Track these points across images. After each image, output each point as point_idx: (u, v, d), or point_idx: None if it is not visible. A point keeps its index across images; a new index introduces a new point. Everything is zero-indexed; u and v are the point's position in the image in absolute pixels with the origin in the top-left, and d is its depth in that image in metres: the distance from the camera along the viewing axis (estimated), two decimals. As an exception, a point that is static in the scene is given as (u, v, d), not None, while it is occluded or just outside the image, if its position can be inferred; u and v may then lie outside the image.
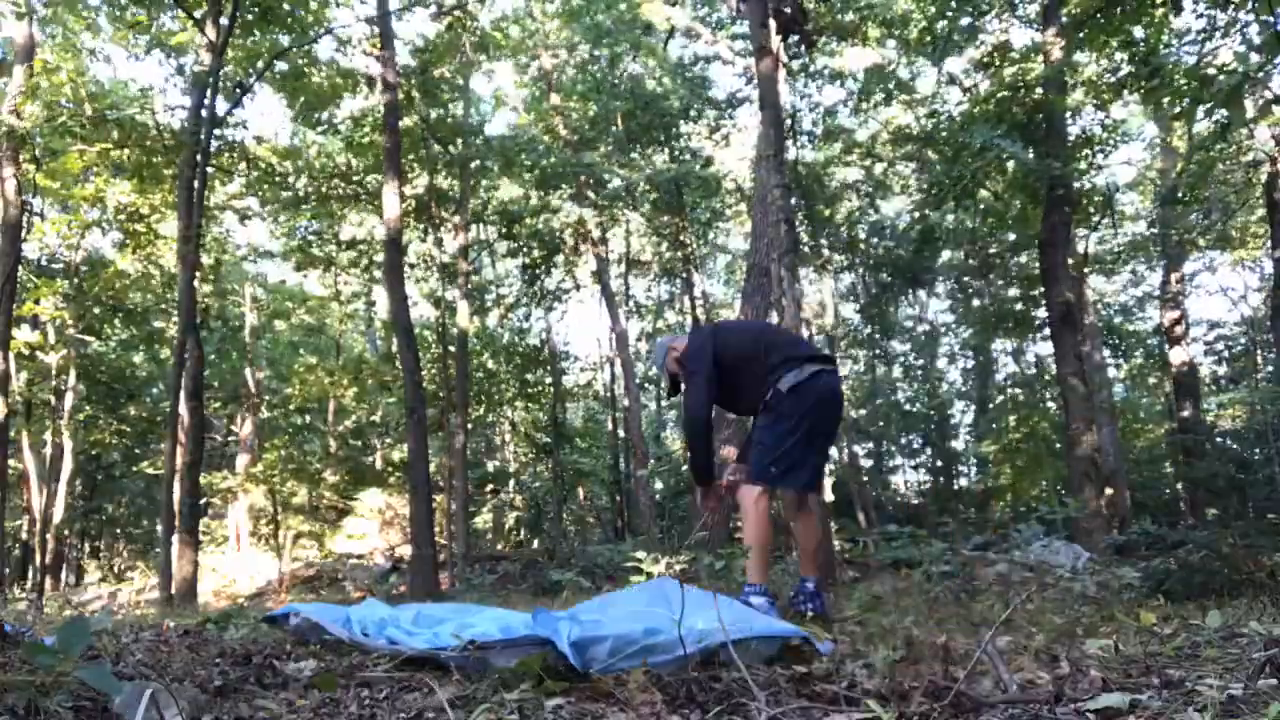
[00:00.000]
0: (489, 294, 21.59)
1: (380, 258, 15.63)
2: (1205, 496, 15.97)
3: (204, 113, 11.36)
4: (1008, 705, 1.63)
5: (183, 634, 3.04)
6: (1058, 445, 16.56)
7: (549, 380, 19.26)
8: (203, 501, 15.57)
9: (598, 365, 22.58)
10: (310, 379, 18.77)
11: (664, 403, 24.47)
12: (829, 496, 9.92)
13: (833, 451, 18.77)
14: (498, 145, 15.21)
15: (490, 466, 21.72)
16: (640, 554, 5.12)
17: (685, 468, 18.47)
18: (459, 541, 14.40)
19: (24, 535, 17.98)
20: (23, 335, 14.06)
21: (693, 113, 16.69)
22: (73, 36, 13.80)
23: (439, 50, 14.23)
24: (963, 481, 23.93)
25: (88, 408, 18.36)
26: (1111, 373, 21.41)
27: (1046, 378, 20.94)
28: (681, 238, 17.53)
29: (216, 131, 11.96)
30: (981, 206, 14.55)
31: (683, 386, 3.81)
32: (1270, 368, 18.98)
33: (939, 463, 23.17)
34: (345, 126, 15.45)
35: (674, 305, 23.18)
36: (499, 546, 18.83)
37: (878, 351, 22.87)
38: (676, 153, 17.19)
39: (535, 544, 18.12)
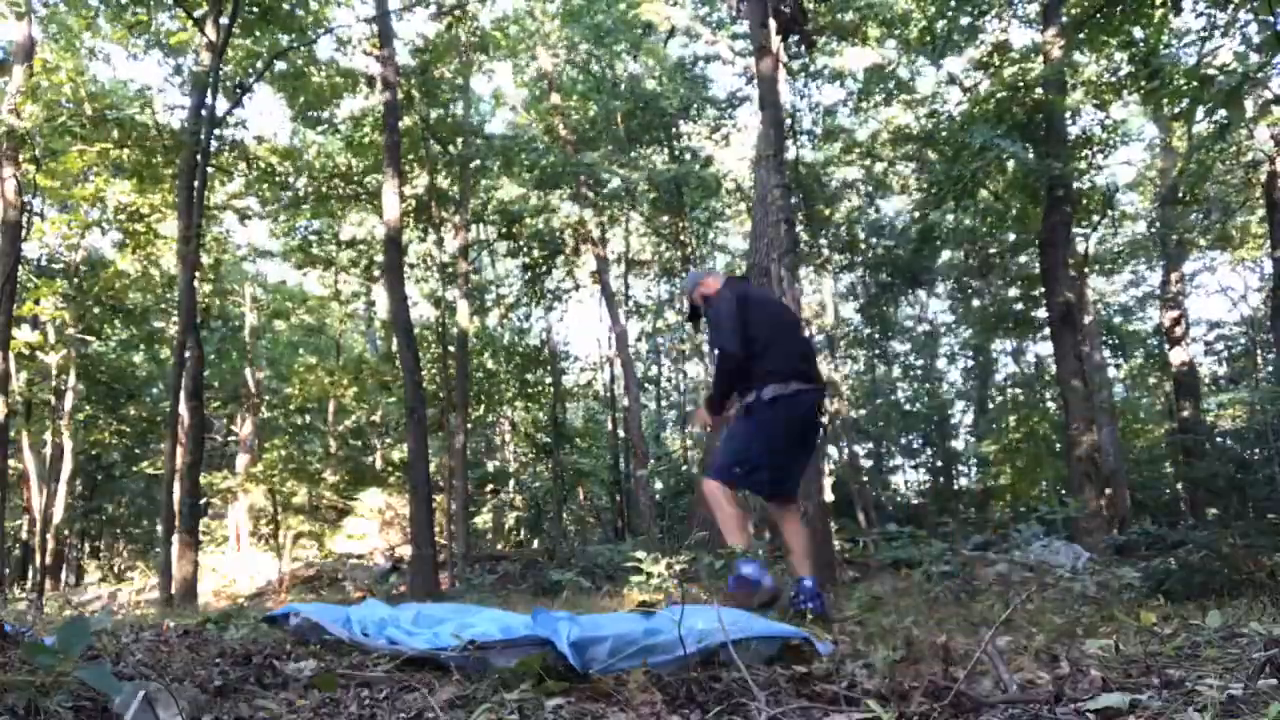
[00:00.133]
0: (489, 294, 21.61)
1: (380, 258, 15.65)
2: (1205, 496, 15.95)
3: (204, 112, 11.37)
4: (1008, 705, 1.63)
5: (183, 634, 3.04)
6: (1058, 445, 16.57)
7: (549, 380, 19.27)
8: (203, 501, 15.57)
9: (598, 365, 22.59)
10: (310, 379, 18.76)
11: (664, 402, 24.48)
12: (829, 496, 9.92)
13: (832, 451, 18.84)
14: (498, 145, 15.21)
15: (490, 466, 21.71)
16: (640, 554, 5.12)
17: (685, 466, 18.52)
18: (459, 541, 14.39)
19: (24, 535, 17.96)
20: (23, 335, 14.04)
21: (692, 112, 16.71)
22: (72, 36, 13.80)
23: (439, 50, 14.24)
24: (963, 481, 23.94)
25: (88, 408, 18.36)
26: (1111, 373, 21.44)
27: (1046, 378, 20.96)
28: (681, 237, 17.54)
29: (216, 131, 11.98)
30: (981, 206, 14.55)
31: (704, 322, 4.12)
32: (1270, 368, 18.97)
33: (939, 463, 23.19)
34: (345, 126, 15.48)
35: (674, 305, 23.17)
36: (499, 546, 18.80)
37: (878, 351, 22.88)
38: (676, 152, 17.19)
39: (535, 544, 18.10)
